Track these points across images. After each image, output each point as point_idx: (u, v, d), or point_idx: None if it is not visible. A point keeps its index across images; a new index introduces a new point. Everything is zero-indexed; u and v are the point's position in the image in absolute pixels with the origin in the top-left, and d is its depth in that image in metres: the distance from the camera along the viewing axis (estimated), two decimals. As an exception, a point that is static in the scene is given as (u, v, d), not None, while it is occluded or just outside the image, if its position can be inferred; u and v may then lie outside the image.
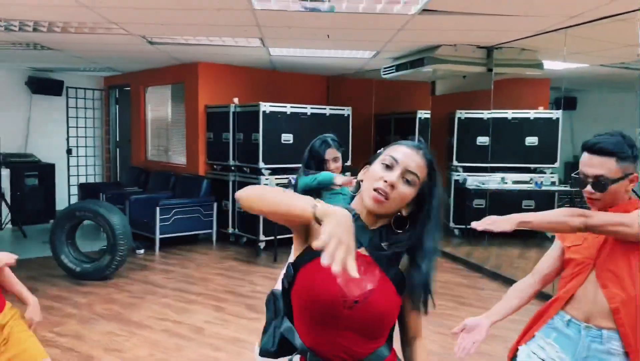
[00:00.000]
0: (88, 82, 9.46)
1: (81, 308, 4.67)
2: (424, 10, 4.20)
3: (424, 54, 5.84)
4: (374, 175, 1.36)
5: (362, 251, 1.35)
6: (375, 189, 1.34)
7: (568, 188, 7.70)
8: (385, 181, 1.34)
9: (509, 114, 7.79)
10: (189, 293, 5.17)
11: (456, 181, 7.78)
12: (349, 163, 7.29)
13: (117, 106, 9.72)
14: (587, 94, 10.88)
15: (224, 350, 3.83)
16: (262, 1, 4.06)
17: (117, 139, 9.80)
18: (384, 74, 6.77)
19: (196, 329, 4.22)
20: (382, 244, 1.37)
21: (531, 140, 7.84)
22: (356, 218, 1.37)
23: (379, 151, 1.46)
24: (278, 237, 6.36)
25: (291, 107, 6.91)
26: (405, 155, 1.37)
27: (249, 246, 6.98)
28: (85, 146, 9.49)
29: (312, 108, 7.08)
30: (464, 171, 7.86)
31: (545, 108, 8.43)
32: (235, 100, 7.25)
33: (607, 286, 1.84)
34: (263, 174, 6.75)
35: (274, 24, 4.87)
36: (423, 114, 8.10)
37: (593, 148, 1.86)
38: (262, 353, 1.40)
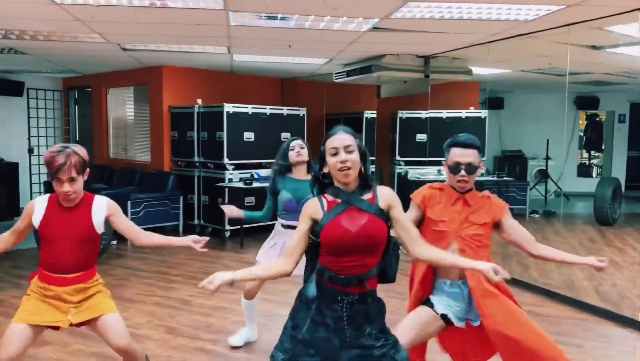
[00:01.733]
0: (48, 83, 9.77)
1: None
2: (374, 28, 5.03)
3: (371, 62, 6.68)
4: (333, 165, 2.09)
5: (354, 207, 2.11)
6: (339, 170, 2.08)
7: (495, 178, 8.79)
8: (341, 162, 2.08)
9: (444, 113, 8.74)
10: (168, 274, 5.79)
11: (399, 173, 8.69)
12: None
13: (77, 107, 10.06)
14: (513, 95, 12.12)
15: (212, 316, 4.50)
16: (237, 18, 4.76)
17: (77, 139, 10.13)
18: (336, 79, 7.59)
19: (183, 301, 4.87)
20: (360, 197, 2.13)
21: (463, 137, 8.85)
22: (343, 190, 2.12)
23: (322, 148, 2.14)
24: (244, 226, 7.06)
25: (252, 107, 7.60)
26: (338, 140, 2.11)
27: (214, 236, 7.61)
28: (47, 145, 9.78)
29: (271, 109, 7.81)
30: (405, 165, 8.78)
31: (476, 108, 9.45)
32: (199, 101, 7.86)
33: (465, 251, 2.55)
34: (227, 170, 7.41)
35: (243, 36, 5.56)
36: (369, 114, 8.98)
37: (465, 143, 2.59)
38: (308, 301, 2.07)
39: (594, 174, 13.63)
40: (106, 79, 9.05)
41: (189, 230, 7.87)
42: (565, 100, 6.14)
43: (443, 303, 2.61)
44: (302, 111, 8.09)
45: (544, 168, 11.15)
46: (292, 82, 9.45)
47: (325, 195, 2.14)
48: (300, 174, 3.57)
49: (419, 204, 2.69)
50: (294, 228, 3.27)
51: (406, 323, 2.57)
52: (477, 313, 2.58)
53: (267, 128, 7.73)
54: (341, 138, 2.10)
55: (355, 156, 2.09)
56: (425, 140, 8.59)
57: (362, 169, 2.12)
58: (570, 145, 12.47)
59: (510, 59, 6.83)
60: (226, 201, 7.21)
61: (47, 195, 2.71)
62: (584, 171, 13.67)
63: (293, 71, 8.45)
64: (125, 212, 7.14)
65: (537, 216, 9.47)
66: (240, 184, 7.20)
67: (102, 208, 2.69)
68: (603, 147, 13.29)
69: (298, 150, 3.55)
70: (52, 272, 2.64)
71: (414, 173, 8.50)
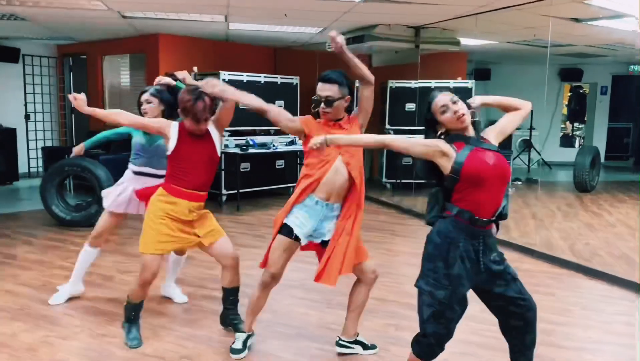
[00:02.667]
0: (43, 50, 9.86)
1: (82, 246, 5.50)
2: (368, -1, 5.28)
3: (363, 32, 6.93)
4: (449, 119, 2.35)
5: (478, 147, 2.36)
6: (456, 119, 2.34)
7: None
8: (454, 112, 2.34)
9: (433, 83, 9.03)
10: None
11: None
12: (297, 126, 8.33)
13: (72, 74, 10.18)
14: (500, 66, 12.41)
15: (216, 268, 4.77)
16: (238, -12, 4.98)
17: (72, 106, 10.25)
18: (329, 48, 7.81)
19: (190, 255, 5.18)
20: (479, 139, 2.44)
21: (451, 106, 9.15)
22: (465, 135, 2.38)
23: (428, 116, 2.45)
24: (241, 190, 7.36)
25: (247, 76, 7.83)
26: (441, 100, 2.39)
27: (210, 200, 7.90)
28: (43, 112, 9.94)
29: (265, 77, 8.04)
30: (395, 133, 9.10)
31: (463, 79, 9.74)
32: (195, 69, 8.05)
33: (350, 163, 2.90)
34: (223, 135, 7.65)
35: (241, 5, 5.77)
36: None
37: (324, 78, 2.89)
38: (454, 241, 2.35)
39: (577, 145, 14.07)
40: (102, 47, 9.18)
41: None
42: (546, 71, 6.44)
43: (295, 223, 2.95)
44: (295, 80, 8.33)
45: (528, 138, 11.54)
46: (286, 51, 9.65)
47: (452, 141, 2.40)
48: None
49: (301, 124, 2.98)
50: (145, 174, 3.67)
51: (275, 254, 3.00)
52: (324, 231, 2.97)
53: (262, 96, 7.79)
54: (443, 97, 2.40)
55: (461, 104, 2.38)
56: (414, 109, 8.89)
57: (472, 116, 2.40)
58: (554, 116, 12.86)
59: (496, 31, 7.10)
60: (222, 167, 7.48)
61: (175, 122, 3.14)
62: (567, 141, 14.11)
63: (287, 40, 8.66)
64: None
65: (519, 183, 9.87)
66: (237, 150, 7.47)
67: (216, 133, 3.18)
68: (585, 118, 13.70)
69: (144, 107, 3.62)
70: (187, 188, 3.12)
71: (403, 141, 8.80)
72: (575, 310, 4.02)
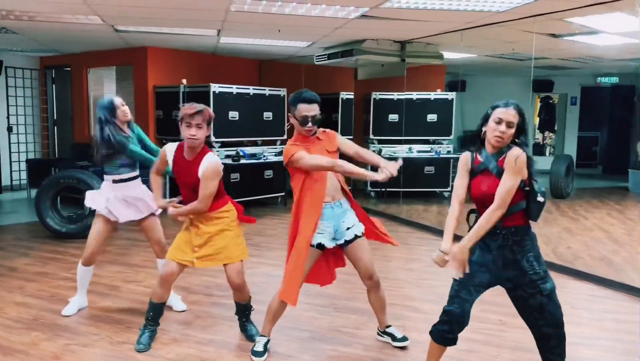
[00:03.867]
0: (26, 62, 9.80)
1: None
2: (362, 15, 5.50)
3: (352, 46, 7.17)
4: (492, 130, 2.59)
5: (488, 169, 2.68)
6: (495, 136, 2.59)
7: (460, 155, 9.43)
8: (500, 132, 2.57)
9: (414, 95, 9.34)
10: (168, 245, 6.15)
11: (372, 152, 9.25)
12: (285, 137, 8.51)
13: (54, 86, 10.14)
14: (475, 78, 12.82)
15: (219, 277, 4.90)
16: (238, 4, 5.14)
17: (55, 118, 10.23)
18: (317, 61, 8.03)
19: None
20: (495, 159, 2.70)
21: (431, 117, 9.44)
22: (486, 153, 2.67)
23: (489, 111, 2.62)
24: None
25: (237, 88, 7.97)
26: (506, 114, 2.58)
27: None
28: (25, 124, 9.87)
29: (254, 89, 8.19)
30: (378, 143, 9.34)
31: (442, 90, 10.10)
32: (184, 81, 8.16)
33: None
34: (214, 147, 7.78)
35: (237, 20, 5.92)
36: (345, 95, 9.47)
37: (310, 99, 3.11)
38: None
39: (547, 153, 14.60)
40: (87, 59, 9.20)
41: (175, 205, 8.21)
42: (531, 83, 6.77)
43: (317, 231, 3.15)
44: (282, 92, 8.50)
45: (503, 147, 11.90)
46: (270, 63, 9.83)
47: (476, 153, 2.70)
48: (124, 128, 3.84)
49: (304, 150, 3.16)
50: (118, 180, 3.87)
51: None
52: (343, 230, 3.22)
53: (251, 107, 8.11)
54: (508, 113, 2.59)
55: (511, 132, 2.60)
56: (397, 120, 9.17)
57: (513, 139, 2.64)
58: (528, 126, 13.32)
59: (479, 45, 7.43)
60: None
61: (175, 144, 3.31)
62: (537, 150, 14.61)
63: (273, 52, 8.83)
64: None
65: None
66: (228, 161, 7.59)
67: (204, 165, 3.21)
68: (556, 128, 14.24)
69: (124, 110, 3.81)
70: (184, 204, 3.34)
71: (387, 151, 9.08)
72: (566, 309, 4.18)
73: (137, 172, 3.98)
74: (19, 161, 9.66)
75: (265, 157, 8.16)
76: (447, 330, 2.69)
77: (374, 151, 9.19)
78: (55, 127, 10.27)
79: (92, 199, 3.98)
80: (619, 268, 5.31)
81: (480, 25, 5.98)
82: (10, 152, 9.63)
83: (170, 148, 3.33)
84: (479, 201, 2.70)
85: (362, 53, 7.05)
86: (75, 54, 9.28)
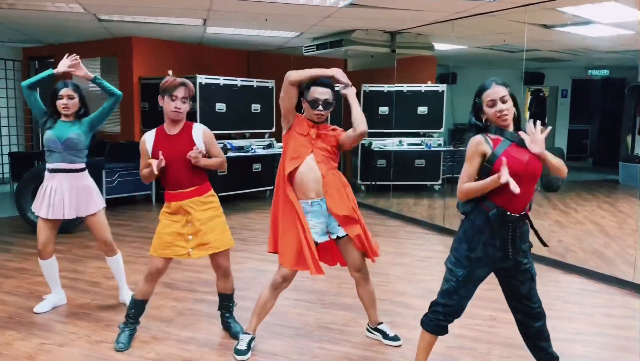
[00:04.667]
0: (7, 53, 9.58)
1: (64, 253, 5.38)
2: (350, 4, 5.37)
3: (341, 37, 7.03)
4: (493, 114, 2.46)
5: (515, 143, 2.49)
6: (499, 117, 2.46)
7: (452, 148, 9.37)
8: (499, 112, 2.45)
9: (405, 87, 9.22)
10: (152, 239, 6.02)
11: (362, 144, 9.12)
12: (273, 130, 8.38)
13: (38, 77, 9.91)
14: (466, 70, 12.72)
15: (205, 272, 4.80)
16: (223, -8, 5.00)
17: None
18: (306, 52, 7.89)
19: (174, 261, 5.12)
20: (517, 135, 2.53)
21: (422, 109, 9.35)
22: (504, 131, 2.50)
23: (477, 100, 2.50)
24: (220, 194, 7.32)
25: (224, 79, 7.81)
26: (494, 93, 2.47)
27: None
28: (8, 117, 9.65)
29: (241, 81, 8.04)
30: (368, 136, 9.20)
31: (432, 82, 9.99)
32: (170, 72, 7.97)
33: (321, 162, 3.06)
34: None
35: (222, 9, 5.78)
36: (335, 87, 9.30)
37: (322, 83, 3.06)
38: (481, 228, 2.50)
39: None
40: (71, 50, 8.80)
41: (161, 200, 8.06)
42: (522, 75, 6.67)
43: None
44: (270, 83, 8.36)
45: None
46: (259, 54, 9.67)
47: (488, 134, 2.50)
48: (69, 117, 3.63)
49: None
50: (59, 170, 3.65)
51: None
52: (337, 225, 3.10)
53: (238, 99, 7.96)
54: (496, 91, 2.47)
55: (510, 103, 2.47)
56: (387, 112, 9.05)
57: (516, 113, 2.51)
58: (520, 118, 13.27)
59: (470, 36, 7.32)
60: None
61: (153, 129, 3.20)
62: (529, 143, 14.56)
63: (261, 43, 8.68)
64: (99, 181, 7.36)
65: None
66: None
67: (199, 133, 3.17)
68: (546, 121, 14.20)
69: (65, 102, 3.57)
70: (172, 190, 3.17)
71: (377, 144, 8.97)
72: (557, 303, 4.19)
73: (75, 166, 3.69)
74: (1, 154, 9.46)
75: (253, 150, 8.02)
76: (442, 318, 2.61)
77: (363, 145, 9.11)
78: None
79: (39, 205, 3.72)
80: (610, 261, 5.24)
81: (471, 15, 5.87)
82: (-8, 145, 9.42)
83: (147, 137, 3.20)
84: (520, 175, 2.39)
85: (351, 44, 6.92)
86: (59, 45, 9.06)
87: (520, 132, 2.57)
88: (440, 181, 9.39)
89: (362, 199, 8.59)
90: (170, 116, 3.13)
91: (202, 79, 7.54)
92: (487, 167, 2.47)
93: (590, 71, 12.51)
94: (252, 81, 8.22)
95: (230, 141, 7.86)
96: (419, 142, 9.26)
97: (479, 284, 2.62)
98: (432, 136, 9.41)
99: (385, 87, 9.01)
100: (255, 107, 8.23)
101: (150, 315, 3.78)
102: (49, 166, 3.68)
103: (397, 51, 7.34)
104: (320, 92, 3.05)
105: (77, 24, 6.87)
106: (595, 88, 13.36)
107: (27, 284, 4.42)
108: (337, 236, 3.16)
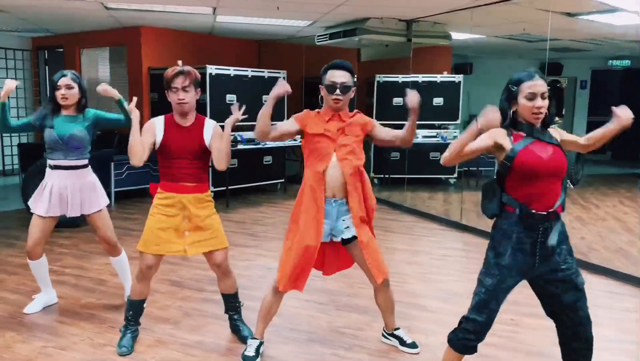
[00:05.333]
0: (17, 43, 9.47)
1: (70, 248, 5.27)
2: (365, -9, 5.15)
3: (355, 25, 6.80)
4: (529, 108, 2.29)
5: (537, 139, 2.31)
6: (533, 113, 2.28)
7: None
8: (536, 108, 2.28)
9: (420, 78, 8.97)
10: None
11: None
12: (285, 121, 8.17)
13: (47, 67, 9.81)
14: (482, 60, 12.43)
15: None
16: (232, -21, 4.79)
17: (48, 100, 9.89)
18: (318, 42, 7.67)
19: (181, 257, 4.99)
20: (542, 132, 2.35)
21: (437, 100, 9.10)
22: (531, 126, 2.31)
23: (513, 88, 2.32)
24: (230, 187, 7.18)
25: (234, 70, 7.62)
26: (536, 86, 2.29)
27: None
28: (17, 107, 9.55)
29: (252, 71, 7.84)
30: (382, 128, 9.00)
31: (448, 73, 9.73)
32: (180, 62, 7.79)
33: (345, 159, 2.86)
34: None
35: (233, -3, 5.58)
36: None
37: (339, 65, 2.88)
38: (508, 232, 2.32)
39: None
40: (80, 39, 8.85)
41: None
42: (545, 65, 6.41)
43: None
44: (282, 74, 8.15)
45: (510, 132, 11.57)
46: (270, 44, 9.46)
47: (511, 129, 2.34)
48: (70, 110, 3.50)
49: (296, 122, 2.97)
50: (61, 167, 3.50)
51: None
52: (341, 229, 2.93)
53: (249, 90, 7.77)
54: (539, 84, 2.29)
55: (547, 101, 2.30)
56: (401, 104, 8.78)
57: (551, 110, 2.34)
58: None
59: (489, 25, 7.06)
60: (210, 164, 7.27)
61: (162, 116, 3.02)
62: (546, 135, 14.25)
63: (272, 33, 8.47)
64: (107, 174, 7.22)
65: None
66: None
67: (209, 128, 3.05)
68: (563, 113, 13.85)
69: (64, 92, 3.42)
70: (172, 181, 3.01)
71: (391, 136, 8.72)
72: None
73: (77, 163, 3.58)
74: (10, 145, 9.37)
75: (263, 143, 7.83)
76: (472, 338, 2.40)
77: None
78: (49, 111, 9.95)
79: (36, 202, 3.60)
80: (637, 261, 5.01)
81: (493, 2, 5.61)
82: (1, 136, 9.34)
83: (156, 120, 3.04)
84: (536, 175, 2.26)
85: (365, 32, 6.69)
86: (68, 35, 8.93)
87: (551, 129, 2.38)
88: (455, 175, 9.15)
89: (376, 192, 8.33)
90: (176, 109, 3.00)
91: (212, 69, 7.36)
92: (506, 164, 2.30)
93: (611, 61, 12.15)
94: (264, 72, 8.02)
95: (240, 133, 7.68)
96: (434, 134, 9.02)
97: (508, 294, 2.41)
98: (448, 128, 9.16)
99: (400, 78, 8.76)
100: (266, 98, 8.00)
101: (156, 316, 3.64)
102: (50, 162, 3.53)
103: (413, 40, 7.10)
104: (338, 75, 2.86)
105: (85, 13, 6.71)
106: (615, 79, 12.97)
107: (30, 282, 4.27)
108: (343, 239, 2.97)
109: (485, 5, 5.71)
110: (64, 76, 3.46)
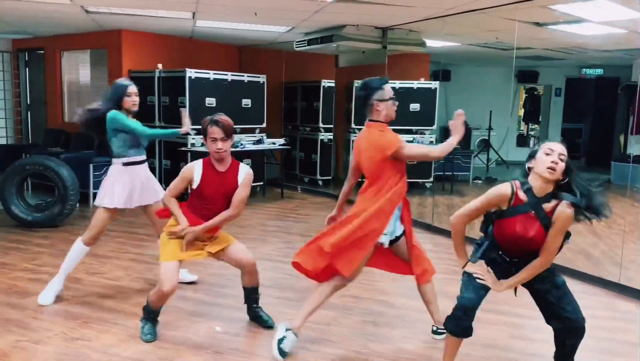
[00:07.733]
0: (-5, 44, 9.50)
1: (47, 247, 5.33)
2: (339, -1, 5.32)
3: (332, 32, 6.97)
4: (544, 161, 2.46)
5: (532, 213, 2.51)
6: (548, 167, 2.45)
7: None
8: (553, 162, 2.45)
9: (397, 84, 9.14)
10: (137, 234, 5.98)
11: (354, 141, 9.08)
12: (264, 125, 8.32)
13: (27, 69, 9.83)
14: (460, 67, 12.68)
15: (192, 269, 4.77)
16: (210, -15, 4.93)
17: (28, 102, 9.93)
18: (297, 47, 7.83)
19: (157, 257, 5.08)
20: (543, 205, 2.51)
21: (414, 106, 9.28)
22: (534, 193, 2.52)
23: (537, 148, 2.54)
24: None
25: (214, 73, 7.74)
26: (557, 146, 2.49)
27: (182, 200, 7.79)
28: (-3, 109, 9.57)
29: (232, 75, 7.97)
30: (359, 132, 9.16)
31: (426, 79, 9.92)
32: (159, 66, 7.92)
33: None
34: (190, 134, 7.54)
35: (211, 2, 5.70)
36: (327, 83, 9.27)
37: (388, 81, 3.32)
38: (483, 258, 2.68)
39: (531, 144, 14.54)
40: (61, 42, 8.90)
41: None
42: (512, 73, 6.63)
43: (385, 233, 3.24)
44: (262, 78, 8.29)
45: (487, 138, 11.84)
46: (251, 49, 9.60)
47: (519, 189, 2.55)
48: (132, 114, 4.07)
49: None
50: (136, 163, 4.04)
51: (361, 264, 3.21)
52: (397, 227, 3.27)
53: (229, 94, 7.90)
54: (559, 147, 2.51)
55: (563, 165, 2.48)
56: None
57: (561, 179, 2.51)
58: (511, 117, 13.25)
59: (462, 33, 7.28)
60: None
61: (200, 160, 3.27)
62: (522, 141, 14.55)
63: (253, 38, 8.61)
64: (87, 175, 7.28)
65: (479, 182, 10.13)
66: (204, 149, 7.37)
67: (243, 174, 3.33)
68: (540, 119, 14.17)
69: (135, 100, 4.04)
70: (200, 218, 3.31)
71: (368, 140, 8.89)
72: None
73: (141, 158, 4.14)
74: (-8, 146, 9.36)
75: (243, 146, 7.95)
76: (463, 317, 2.61)
77: (354, 141, 9.03)
78: (29, 112, 9.97)
79: (105, 194, 3.97)
80: (598, 262, 5.22)
81: (462, 12, 5.81)
82: (-21, 138, 9.33)
83: (195, 166, 3.31)
84: (513, 242, 2.57)
85: (342, 39, 6.86)
86: (49, 37, 8.98)
87: (562, 202, 2.51)
88: (431, 179, 9.34)
89: (353, 195, 8.53)
90: (214, 156, 3.26)
91: (191, 72, 7.47)
92: (492, 217, 2.63)
93: (584, 69, 12.48)
94: (243, 76, 8.15)
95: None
96: (411, 139, 9.19)
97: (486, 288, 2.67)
98: (424, 134, 9.35)
99: (377, 84, 8.93)
100: (246, 102, 8.17)
101: (129, 312, 3.74)
102: (123, 160, 3.99)
103: (389, 47, 7.29)
104: (391, 90, 3.31)
105: (66, 16, 6.78)
106: (589, 87, 13.33)
107: (6, 280, 4.36)
108: (396, 236, 3.31)
109: (455, 14, 5.91)
110: (130, 84, 3.96)
